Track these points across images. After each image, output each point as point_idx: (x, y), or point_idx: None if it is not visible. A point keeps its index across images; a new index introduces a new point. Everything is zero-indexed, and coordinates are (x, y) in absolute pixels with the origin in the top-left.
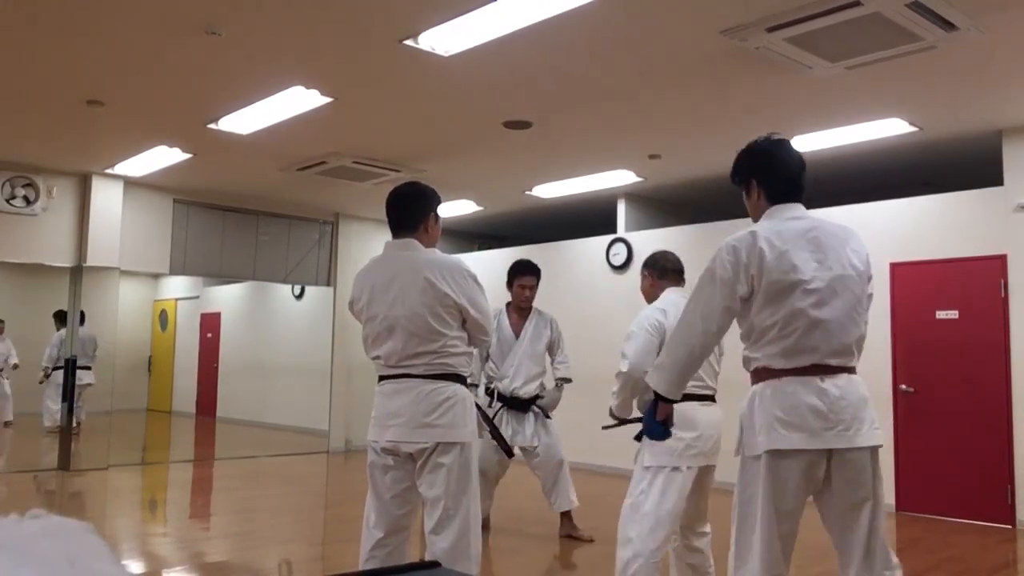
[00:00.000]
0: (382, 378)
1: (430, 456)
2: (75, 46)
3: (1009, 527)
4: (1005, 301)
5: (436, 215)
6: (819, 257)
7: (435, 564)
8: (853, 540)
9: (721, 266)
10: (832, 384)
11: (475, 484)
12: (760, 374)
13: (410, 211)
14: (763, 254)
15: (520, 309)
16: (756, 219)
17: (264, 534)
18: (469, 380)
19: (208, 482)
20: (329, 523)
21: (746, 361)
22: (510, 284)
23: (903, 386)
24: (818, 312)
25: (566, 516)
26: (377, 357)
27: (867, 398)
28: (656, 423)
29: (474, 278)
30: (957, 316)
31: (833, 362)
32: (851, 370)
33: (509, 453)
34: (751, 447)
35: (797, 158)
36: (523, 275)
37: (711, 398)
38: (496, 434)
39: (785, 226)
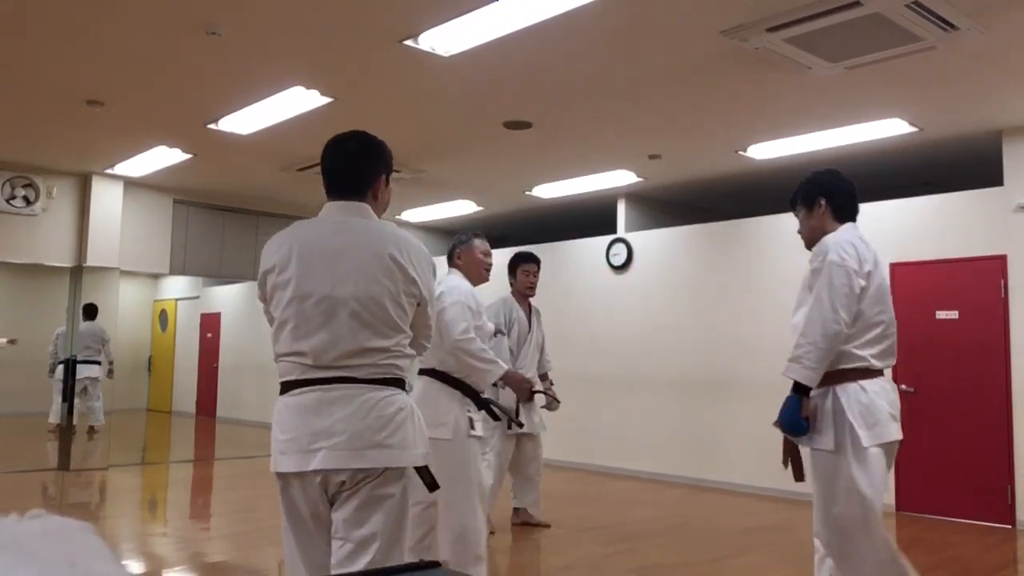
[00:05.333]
0: (295, 384)
1: (369, 484)
2: (75, 46)
3: (1009, 527)
4: (1005, 301)
5: (388, 178)
6: (887, 274)
7: (435, 564)
8: None
9: (850, 257)
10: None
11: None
12: (861, 372)
13: (360, 169)
14: (876, 256)
15: (523, 298)
16: (814, 235)
17: (264, 534)
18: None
19: (208, 482)
20: None
21: (843, 356)
22: (513, 271)
23: (903, 386)
24: (895, 322)
25: (524, 513)
26: (297, 353)
27: None
28: (802, 420)
29: (435, 269)
30: (957, 316)
31: (893, 363)
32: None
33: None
34: (872, 436)
35: (853, 185)
36: (527, 262)
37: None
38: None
39: (864, 239)
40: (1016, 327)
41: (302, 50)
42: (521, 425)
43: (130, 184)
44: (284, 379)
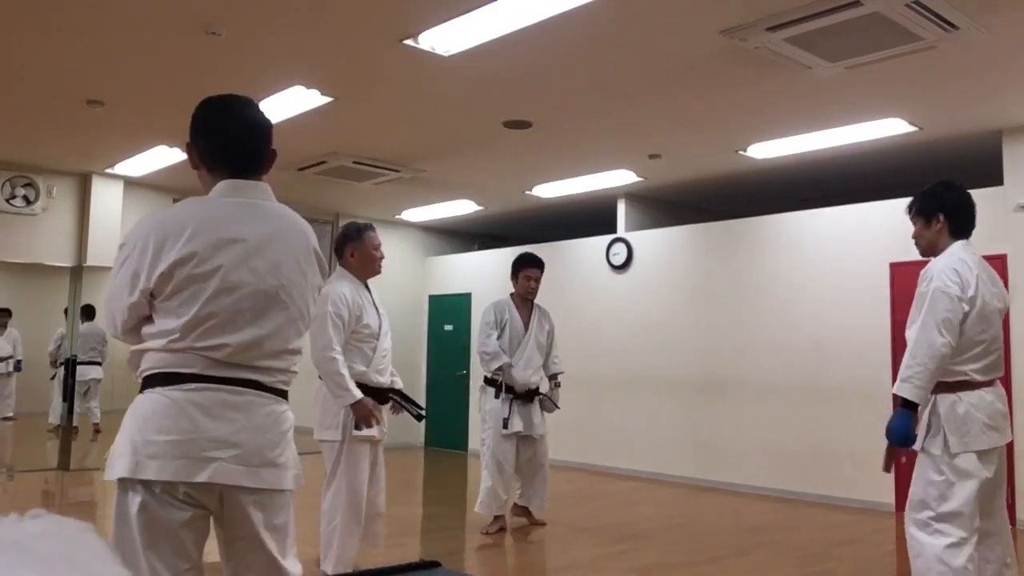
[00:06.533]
0: (191, 378)
1: (268, 510)
2: (75, 46)
3: (1009, 527)
4: None
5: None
6: (999, 292)
7: (435, 564)
8: (997, 505)
9: (953, 284)
10: (1002, 392)
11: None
12: (960, 385)
13: (264, 142)
14: (980, 279)
15: (524, 301)
16: (931, 248)
17: None
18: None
19: None
20: None
21: (946, 371)
22: (515, 275)
23: None
24: (999, 337)
25: (525, 510)
26: (212, 348)
27: None
28: (912, 433)
29: None
30: None
31: (1000, 376)
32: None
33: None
34: (961, 444)
35: (972, 198)
36: (529, 267)
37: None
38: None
39: (977, 260)
40: (1016, 327)
41: (302, 50)
42: (420, 418)
43: (130, 184)
44: (174, 370)
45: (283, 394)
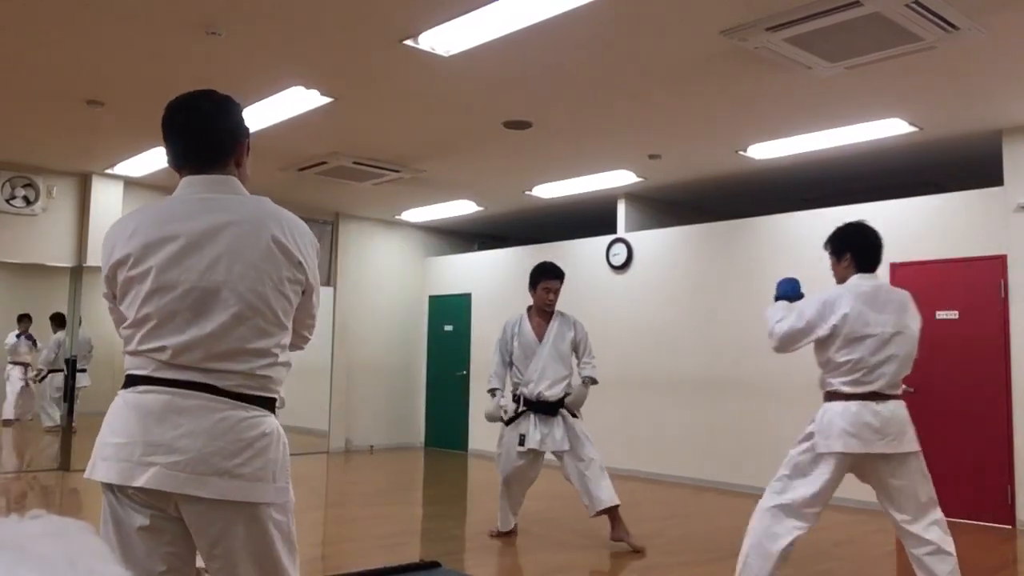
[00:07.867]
0: (143, 380)
1: (234, 524)
2: (75, 46)
3: (1009, 527)
4: (1005, 301)
5: (249, 144)
6: (885, 319)
7: (435, 564)
8: (905, 504)
9: (811, 309)
10: (884, 407)
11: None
12: (833, 395)
13: (220, 133)
14: (854, 309)
15: (543, 312)
16: (841, 281)
17: None
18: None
19: None
20: (329, 523)
21: (823, 383)
22: (533, 286)
23: (903, 386)
24: (878, 358)
25: (614, 519)
26: (155, 349)
27: (909, 418)
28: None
29: (318, 250)
30: (957, 316)
31: (887, 391)
32: (898, 397)
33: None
34: (823, 446)
35: (879, 237)
36: (549, 278)
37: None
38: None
39: (866, 291)
40: (1016, 327)
41: (302, 50)
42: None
43: (130, 184)
44: (132, 372)
45: (251, 399)
